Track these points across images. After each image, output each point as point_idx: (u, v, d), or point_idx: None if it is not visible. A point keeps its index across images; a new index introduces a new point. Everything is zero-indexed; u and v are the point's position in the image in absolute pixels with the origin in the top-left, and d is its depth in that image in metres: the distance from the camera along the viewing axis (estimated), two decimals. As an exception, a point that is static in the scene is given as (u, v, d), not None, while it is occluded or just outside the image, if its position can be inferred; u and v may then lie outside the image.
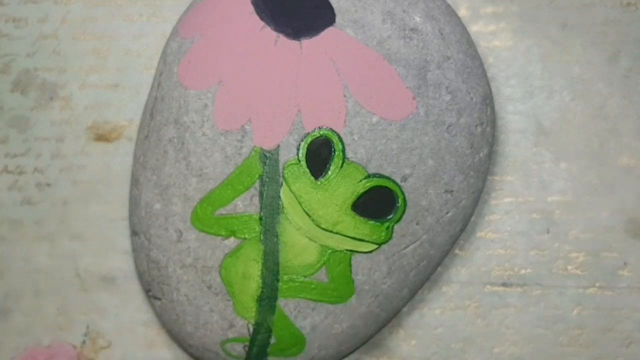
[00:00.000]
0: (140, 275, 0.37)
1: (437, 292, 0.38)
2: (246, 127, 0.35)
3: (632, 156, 0.38)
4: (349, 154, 0.35)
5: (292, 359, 0.36)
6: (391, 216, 0.35)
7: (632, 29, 0.39)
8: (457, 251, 0.38)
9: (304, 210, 0.34)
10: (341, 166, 0.35)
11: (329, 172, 0.35)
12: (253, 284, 0.35)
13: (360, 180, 0.35)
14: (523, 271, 0.38)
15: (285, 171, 0.34)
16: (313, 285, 0.35)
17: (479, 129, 0.36)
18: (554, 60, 0.39)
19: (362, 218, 0.35)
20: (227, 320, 0.35)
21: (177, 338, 0.37)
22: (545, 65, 0.39)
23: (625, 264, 0.38)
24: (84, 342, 0.39)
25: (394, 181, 0.35)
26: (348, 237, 0.35)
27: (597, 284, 0.38)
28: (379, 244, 0.35)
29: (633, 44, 0.39)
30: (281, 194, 0.35)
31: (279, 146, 0.35)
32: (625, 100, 0.39)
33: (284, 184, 0.34)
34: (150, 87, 0.37)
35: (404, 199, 0.35)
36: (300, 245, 0.35)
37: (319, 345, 0.35)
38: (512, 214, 0.38)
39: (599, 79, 0.39)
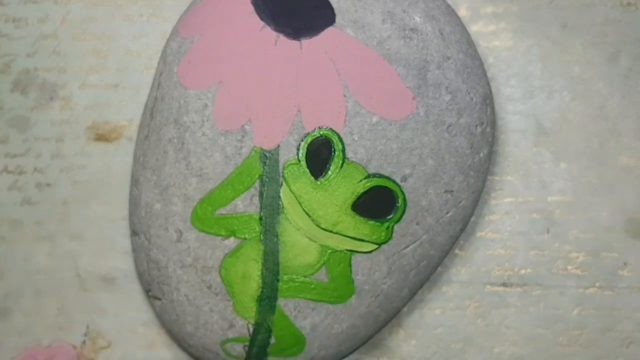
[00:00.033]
0: (140, 275, 0.37)
1: (437, 292, 0.38)
2: (246, 127, 0.35)
3: (632, 156, 0.38)
4: (349, 154, 0.35)
5: (292, 359, 0.36)
6: (391, 216, 0.35)
7: (632, 29, 0.39)
8: (457, 251, 0.38)
9: (304, 210, 0.34)
10: (341, 166, 0.35)
11: (329, 172, 0.35)
12: (253, 284, 0.35)
13: (360, 180, 0.35)
14: (523, 271, 0.38)
15: (285, 171, 0.34)
16: (313, 285, 0.35)
17: (479, 129, 0.36)
18: (554, 60, 0.39)
19: (362, 218, 0.35)
20: (227, 320, 0.35)
21: (177, 338, 0.37)
22: (545, 65, 0.39)
23: (625, 264, 0.38)
24: (84, 342, 0.39)
25: (394, 181, 0.35)
26: (348, 237, 0.35)
27: (597, 284, 0.38)
28: (379, 244, 0.35)
29: (633, 44, 0.39)
30: (281, 194, 0.35)
31: (279, 146, 0.35)
32: (625, 100, 0.39)
33: (284, 184, 0.34)
34: (150, 87, 0.37)
35: (404, 199, 0.35)
36: (300, 245, 0.35)
37: (319, 345, 0.35)
38: (512, 214, 0.38)
39: (599, 79, 0.39)
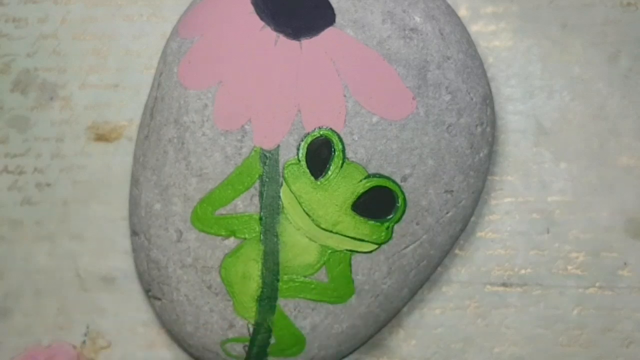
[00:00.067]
0: (140, 275, 0.37)
1: (437, 292, 0.38)
2: (246, 127, 0.35)
3: (632, 156, 0.38)
4: (349, 154, 0.35)
5: (292, 359, 0.36)
6: (391, 216, 0.35)
7: (632, 29, 0.39)
8: (457, 251, 0.38)
9: (304, 210, 0.34)
10: (341, 166, 0.35)
11: (329, 172, 0.35)
12: (253, 284, 0.35)
13: (360, 180, 0.35)
14: (523, 271, 0.38)
15: (285, 171, 0.34)
16: (313, 285, 0.35)
17: (479, 129, 0.36)
18: (554, 60, 0.39)
19: (362, 218, 0.35)
20: (227, 320, 0.35)
21: (177, 338, 0.37)
22: (545, 65, 0.39)
23: (625, 264, 0.38)
24: (84, 342, 0.39)
25: (394, 181, 0.35)
26: (348, 237, 0.35)
27: (597, 284, 0.38)
28: (379, 244, 0.35)
29: (633, 44, 0.39)
30: (281, 194, 0.35)
31: (279, 146, 0.35)
32: (625, 100, 0.39)
33: (284, 184, 0.34)
34: (150, 87, 0.37)
35: (404, 199, 0.35)
36: (300, 245, 0.35)
37: (319, 345, 0.35)
38: (512, 214, 0.38)
39: (599, 79, 0.39)
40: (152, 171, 0.36)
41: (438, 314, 0.38)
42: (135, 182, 0.36)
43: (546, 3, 0.39)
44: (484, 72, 0.36)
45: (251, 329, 0.35)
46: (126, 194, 0.38)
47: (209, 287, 0.35)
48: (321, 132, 0.35)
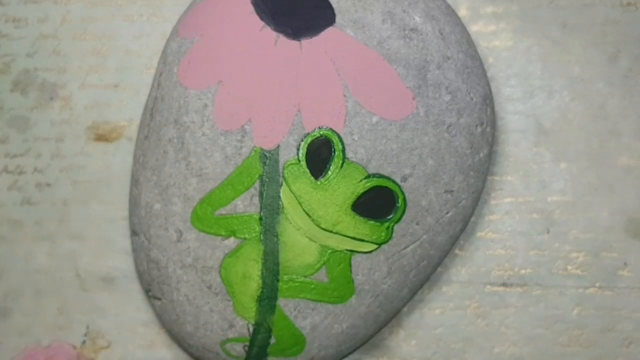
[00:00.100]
0: (140, 275, 0.37)
1: (437, 292, 0.38)
2: (246, 127, 0.35)
3: (632, 156, 0.38)
4: (349, 154, 0.35)
5: (292, 359, 0.36)
6: (391, 216, 0.35)
7: (632, 29, 0.39)
8: (457, 251, 0.38)
9: (304, 210, 0.34)
10: (341, 166, 0.35)
11: (329, 172, 0.35)
12: (253, 284, 0.35)
13: (360, 180, 0.35)
14: (523, 271, 0.38)
15: (285, 171, 0.34)
16: (313, 285, 0.35)
17: (479, 129, 0.36)
18: (554, 60, 0.39)
19: (362, 218, 0.35)
20: (227, 320, 0.35)
21: (177, 338, 0.37)
22: (545, 65, 0.39)
23: (625, 264, 0.38)
24: (84, 342, 0.39)
25: (394, 181, 0.35)
26: (348, 237, 0.35)
27: (597, 284, 0.38)
28: (379, 244, 0.35)
29: (633, 44, 0.39)
30: (281, 194, 0.35)
31: (279, 146, 0.35)
32: (625, 100, 0.39)
33: (284, 184, 0.34)
34: (150, 87, 0.37)
35: (404, 199, 0.35)
36: (300, 245, 0.35)
37: (319, 345, 0.35)
38: (512, 214, 0.38)
39: (599, 79, 0.39)
40: (152, 171, 0.36)
41: (438, 314, 0.38)
42: (135, 182, 0.36)
43: (546, 3, 0.39)
44: (484, 72, 0.36)
45: (251, 329, 0.35)
46: (126, 194, 0.38)
47: (209, 287, 0.35)
48: (321, 132, 0.35)
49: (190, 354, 0.37)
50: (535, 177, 0.38)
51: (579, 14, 0.39)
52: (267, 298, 0.35)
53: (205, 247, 0.35)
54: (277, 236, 0.35)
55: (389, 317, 0.36)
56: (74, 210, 0.39)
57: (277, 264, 0.35)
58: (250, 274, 0.35)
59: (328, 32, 0.35)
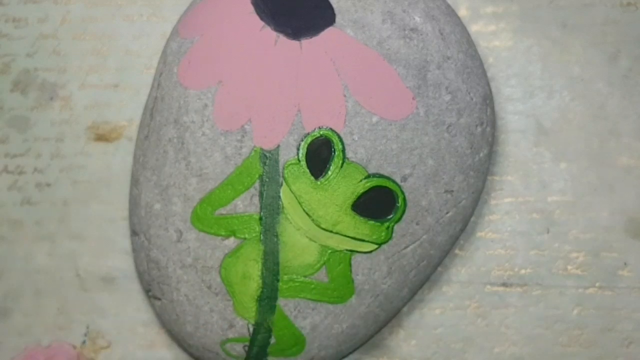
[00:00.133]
0: (140, 275, 0.37)
1: (437, 292, 0.38)
2: (246, 127, 0.35)
3: (632, 156, 0.38)
4: (349, 154, 0.35)
5: (292, 359, 0.36)
6: (391, 216, 0.35)
7: (632, 29, 0.39)
8: (457, 251, 0.38)
9: (304, 210, 0.34)
10: (341, 166, 0.35)
11: (329, 172, 0.35)
12: (253, 284, 0.35)
13: (360, 180, 0.35)
14: (523, 271, 0.38)
15: (285, 171, 0.34)
16: (313, 285, 0.35)
17: (479, 129, 0.36)
18: (554, 60, 0.39)
19: (362, 218, 0.35)
20: (227, 320, 0.35)
21: (177, 338, 0.37)
22: (545, 65, 0.39)
23: (625, 264, 0.38)
24: (84, 342, 0.39)
25: (394, 181, 0.35)
26: (348, 237, 0.35)
27: (597, 284, 0.38)
28: (379, 244, 0.35)
29: (633, 44, 0.39)
30: (281, 194, 0.35)
31: (279, 146, 0.35)
32: (625, 100, 0.39)
33: (284, 184, 0.34)
34: (150, 87, 0.37)
35: (404, 199, 0.35)
36: (300, 245, 0.35)
37: (319, 345, 0.35)
38: (512, 214, 0.38)
39: (599, 79, 0.39)
40: (152, 171, 0.36)
41: (438, 314, 0.38)
42: (135, 182, 0.36)
43: (546, 3, 0.39)
44: (484, 72, 0.36)
45: (251, 329, 0.35)
46: (126, 194, 0.38)
47: (209, 287, 0.35)
48: (321, 132, 0.35)
49: (190, 354, 0.37)
50: (535, 177, 0.38)
51: (579, 14, 0.39)
52: (267, 298, 0.35)
53: (205, 247, 0.35)
54: (277, 236, 0.35)
55: (389, 317, 0.36)
56: (74, 210, 0.39)
57: (277, 264, 0.35)
58: (250, 274, 0.35)
59: (328, 32, 0.35)
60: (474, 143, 0.36)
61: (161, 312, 0.37)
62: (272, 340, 0.35)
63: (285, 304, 0.35)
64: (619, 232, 0.38)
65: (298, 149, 0.35)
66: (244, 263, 0.35)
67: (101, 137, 0.39)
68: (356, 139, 0.35)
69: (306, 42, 0.35)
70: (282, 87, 0.34)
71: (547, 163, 0.38)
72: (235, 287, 0.35)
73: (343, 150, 0.34)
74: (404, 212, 0.35)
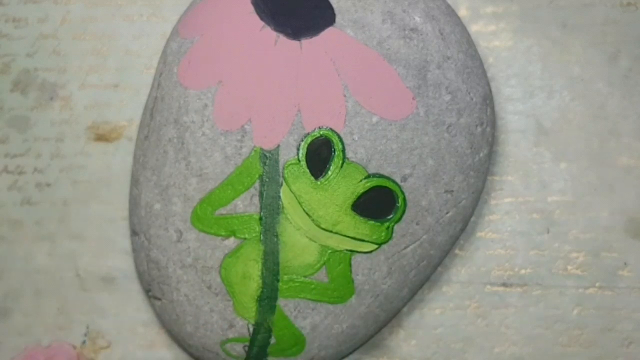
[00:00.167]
0: (140, 275, 0.37)
1: (437, 292, 0.38)
2: (246, 127, 0.35)
3: (632, 156, 0.38)
4: (349, 154, 0.35)
5: (292, 359, 0.36)
6: (391, 216, 0.35)
7: (632, 29, 0.39)
8: (457, 251, 0.38)
9: (304, 210, 0.34)
10: (341, 166, 0.35)
11: (329, 172, 0.35)
12: (253, 284, 0.35)
13: (360, 180, 0.35)
14: (523, 271, 0.38)
15: (285, 171, 0.34)
16: (313, 286, 0.35)
17: (479, 129, 0.36)
18: (554, 60, 0.39)
19: (362, 218, 0.35)
20: (227, 321, 0.35)
21: (177, 338, 0.37)
22: (545, 65, 0.39)
23: (625, 264, 0.38)
24: (84, 342, 0.39)
25: (394, 181, 0.35)
26: (348, 237, 0.35)
27: (597, 284, 0.38)
28: (379, 244, 0.35)
29: (633, 44, 0.39)
30: (281, 194, 0.35)
31: (279, 146, 0.35)
32: (625, 100, 0.39)
33: (284, 184, 0.34)
34: (150, 87, 0.37)
35: (404, 199, 0.35)
36: (300, 245, 0.35)
37: (319, 345, 0.35)
38: (512, 214, 0.38)
39: (599, 79, 0.39)
40: (152, 171, 0.36)
41: (438, 314, 0.38)
42: (135, 182, 0.36)
43: (546, 3, 0.39)
44: (484, 72, 0.36)
45: (251, 329, 0.35)
46: (126, 194, 0.38)
47: (209, 287, 0.35)
48: (321, 132, 0.35)
49: (190, 354, 0.37)
50: (535, 177, 0.38)
51: (579, 14, 0.39)
52: (267, 298, 0.35)
53: (205, 247, 0.35)
54: (277, 236, 0.35)
55: (389, 317, 0.36)
56: (74, 210, 0.39)
57: (277, 264, 0.35)
58: (250, 274, 0.35)
59: (328, 32, 0.35)
60: (474, 143, 0.36)
61: (161, 312, 0.37)
62: (272, 340, 0.35)
63: (285, 304, 0.35)
64: (619, 232, 0.38)
65: (298, 149, 0.34)
66: (244, 263, 0.35)
67: (101, 137, 0.39)
68: (356, 139, 0.35)
69: (306, 42, 0.35)
70: (282, 87, 0.34)
71: (547, 163, 0.38)
72: (235, 287, 0.35)
73: (343, 150, 0.34)
74: (404, 212, 0.35)
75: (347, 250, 0.35)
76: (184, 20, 0.37)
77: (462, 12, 0.39)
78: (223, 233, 0.35)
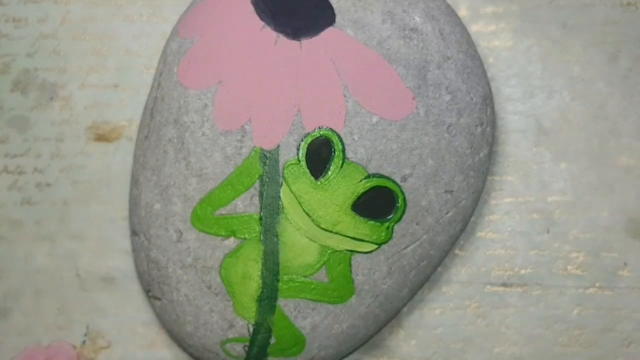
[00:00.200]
0: (140, 275, 0.37)
1: (437, 292, 0.38)
2: (246, 127, 0.35)
3: (632, 156, 0.38)
4: (349, 154, 0.35)
5: (292, 359, 0.36)
6: (391, 216, 0.35)
7: (632, 29, 0.39)
8: (457, 251, 0.38)
9: (304, 210, 0.34)
10: (341, 166, 0.35)
11: (329, 172, 0.35)
12: (253, 284, 0.35)
13: (360, 180, 0.35)
14: (523, 271, 0.38)
15: (285, 171, 0.34)
16: (313, 286, 0.35)
17: (479, 129, 0.36)
18: (554, 60, 0.39)
19: (362, 218, 0.35)
20: (227, 321, 0.35)
21: (177, 338, 0.37)
22: (545, 65, 0.39)
23: (625, 264, 0.38)
24: (84, 342, 0.39)
25: (394, 181, 0.35)
26: (348, 237, 0.35)
27: (597, 284, 0.38)
28: (379, 244, 0.35)
29: (633, 44, 0.39)
30: (281, 194, 0.35)
31: (279, 146, 0.35)
32: (625, 100, 0.39)
33: (284, 184, 0.34)
34: (150, 87, 0.37)
35: (404, 199, 0.35)
36: (300, 245, 0.35)
37: (319, 345, 0.35)
38: (512, 214, 0.38)
39: (599, 79, 0.39)
40: (152, 171, 0.36)
41: (438, 314, 0.38)
42: (135, 182, 0.36)
43: (546, 3, 0.39)
44: (484, 72, 0.36)
45: (251, 329, 0.35)
46: (126, 194, 0.38)
47: (209, 287, 0.35)
48: (321, 132, 0.35)
49: (190, 354, 0.37)
50: (535, 177, 0.38)
51: (579, 14, 0.39)
52: (267, 298, 0.35)
53: (205, 247, 0.35)
54: (277, 236, 0.35)
55: (389, 317, 0.36)
56: (74, 210, 0.39)
57: (277, 264, 0.35)
58: (250, 274, 0.35)
59: (328, 32, 0.35)
60: (474, 143, 0.36)
61: (161, 312, 0.37)
62: (272, 341, 0.35)
63: (285, 304, 0.35)
64: (619, 232, 0.38)
65: (298, 149, 0.35)
66: (244, 263, 0.35)
67: (101, 137, 0.39)
68: (356, 139, 0.35)
69: (306, 42, 0.35)
70: (282, 87, 0.34)
71: (547, 163, 0.38)
72: (235, 287, 0.35)
73: (343, 150, 0.34)
74: (404, 212, 0.35)
75: (347, 250, 0.35)
76: (184, 20, 0.37)
77: (462, 12, 0.39)
78: (223, 233, 0.35)
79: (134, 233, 0.37)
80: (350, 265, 0.35)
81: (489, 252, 0.38)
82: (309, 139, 0.34)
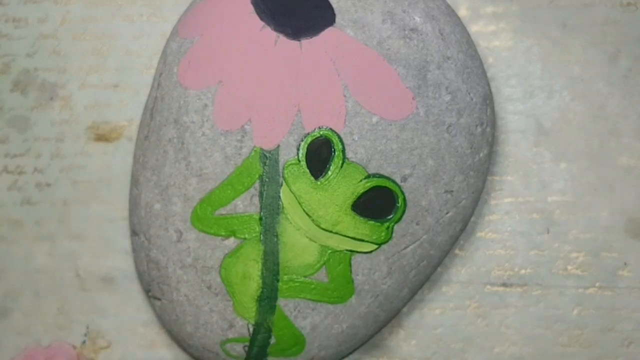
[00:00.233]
0: (140, 275, 0.37)
1: (437, 292, 0.38)
2: (246, 127, 0.35)
3: (632, 156, 0.38)
4: (349, 154, 0.35)
5: (292, 359, 0.36)
6: (391, 216, 0.35)
7: (632, 29, 0.39)
8: (457, 251, 0.38)
9: (304, 210, 0.34)
10: (341, 166, 0.35)
11: (329, 172, 0.35)
12: (253, 284, 0.35)
13: (360, 181, 0.35)
14: (523, 271, 0.38)
15: (285, 171, 0.34)
16: (313, 286, 0.35)
17: (479, 129, 0.36)
18: (554, 60, 0.39)
19: (362, 218, 0.35)
20: (227, 321, 0.35)
21: (177, 338, 0.37)
22: (545, 65, 0.39)
23: (625, 264, 0.38)
24: (84, 342, 0.39)
25: (394, 181, 0.35)
26: (348, 237, 0.35)
27: (597, 284, 0.38)
28: (379, 244, 0.35)
29: (633, 44, 0.39)
30: (281, 194, 0.35)
31: (279, 146, 0.35)
32: (625, 100, 0.39)
33: (284, 184, 0.34)
34: (150, 87, 0.37)
35: (404, 199, 0.35)
36: (300, 245, 0.35)
37: (318, 346, 0.35)
38: (512, 214, 0.38)
39: (599, 79, 0.39)
40: (152, 171, 0.36)
41: (438, 314, 0.38)
42: (135, 182, 0.36)
43: (546, 3, 0.39)
44: (484, 72, 0.36)
45: (251, 329, 0.35)
46: (126, 194, 0.38)
47: (209, 287, 0.35)
48: (321, 132, 0.35)
49: (190, 354, 0.37)
50: (535, 177, 0.38)
51: (579, 14, 0.39)
52: (267, 298, 0.35)
53: (205, 247, 0.35)
54: (277, 236, 0.35)
55: (389, 317, 0.36)
56: (74, 210, 0.39)
57: (277, 264, 0.35)
58: (250, 274, 0.35)
59: (328, 32, 0.35)
60: (474, 143, 0.36)
61: (161, 312, 0.37)
62: (272, 341, 0.35)
63: (285, 304, 0.35)
64: (619, 232, 0.38)
65: (298, 149, 0.35)
66: (244, 263, 0.35)
67: (101, 137, 0.39)
68: (356, 139, 0.35)
69: (306, 42, 0.35)
70: (282, 87, 0.34)
71: (547, 163, 0.38)
72: (235, 287, 0.35)
73: (343, 150, 0.34)
74: (404, 212, 0.35)
75: (347, 250, 0.35)
76: (184, 20, 0.37)
77: (462, 12, 0.39)
78: (223, 233, 0.35)
79: (134, 233, 0.37)
80: (350, 265, 0.35)
81: (489, 252, 0.38)
82: (309, 139, 0.34)
